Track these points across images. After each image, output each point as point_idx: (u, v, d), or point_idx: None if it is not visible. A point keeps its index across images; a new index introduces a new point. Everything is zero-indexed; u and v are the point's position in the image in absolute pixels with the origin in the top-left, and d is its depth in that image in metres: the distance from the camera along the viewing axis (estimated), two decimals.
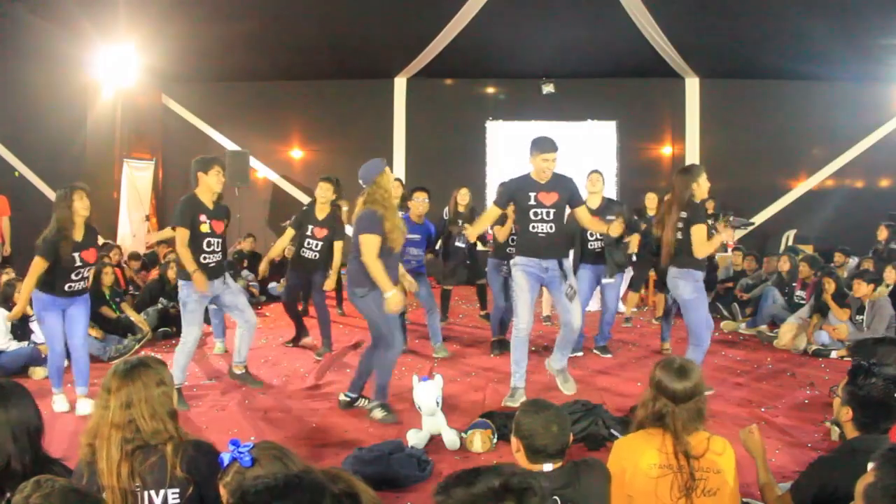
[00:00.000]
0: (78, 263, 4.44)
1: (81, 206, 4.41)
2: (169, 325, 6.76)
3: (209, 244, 4.55)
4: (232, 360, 4.98)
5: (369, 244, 4.09)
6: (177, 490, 2.02)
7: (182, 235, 4.44)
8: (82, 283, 4.54)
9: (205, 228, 4.52)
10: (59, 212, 4.38)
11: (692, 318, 4.61)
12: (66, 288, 4.44)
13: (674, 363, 2.34)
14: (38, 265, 4.31)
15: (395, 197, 4.56)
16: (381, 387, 4.37)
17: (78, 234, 4.45)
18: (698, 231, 4.49)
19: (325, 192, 5.94)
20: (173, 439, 2.07)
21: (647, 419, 2.33)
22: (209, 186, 4.56)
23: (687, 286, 4.57)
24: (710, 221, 5.67)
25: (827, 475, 2.14)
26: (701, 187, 4.65)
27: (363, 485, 1.88)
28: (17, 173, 8.21)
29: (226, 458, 1.83)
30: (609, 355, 6.03)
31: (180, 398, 4.50)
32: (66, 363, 4.78)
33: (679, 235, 4.63)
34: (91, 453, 2.05)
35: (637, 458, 2.25)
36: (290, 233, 6.09)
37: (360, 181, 4.27)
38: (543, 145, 4.49)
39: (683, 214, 4.62)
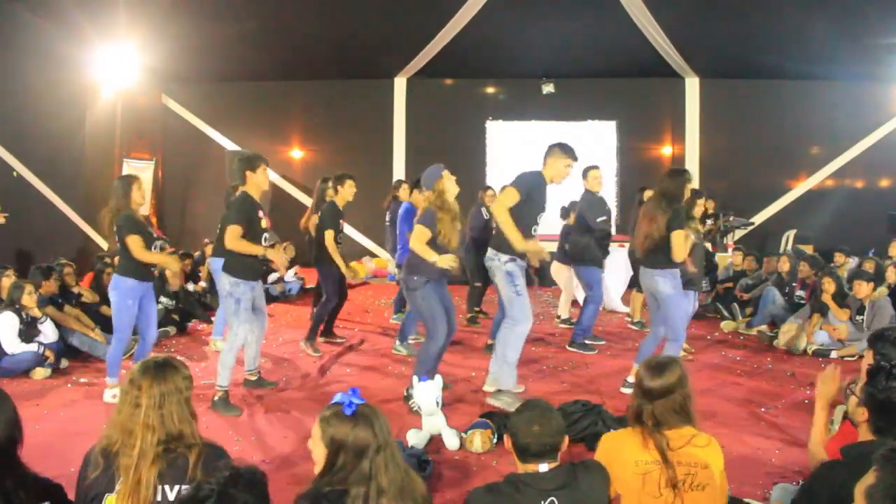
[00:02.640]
0: (156, 240, 4.68)
1: (139, 196, 4.60)
2: (169, 325, 6.76)
3: (265, 240, 4.63)
4: (244, 368, 4.97)
5: (418, 232, 4.40)
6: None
7: (236, 232, 4.41)
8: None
9: (264, 224, 4.59)
10: (116, 200, 4.55)
11: (672, 314, 4.61)
12: (150, 268, 4.69)
13: (653, 361, 2.38)
14: (137, 242, 4.47)
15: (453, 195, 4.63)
16: (415, 375, 4.28)
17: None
18: (678, 236, 4.51)
19: (354, 189, 6.12)
20: (196, 445, 2.05)
21: (630, 418, 2.37)
22: (258, 184, 4.59)
23: (666, 283, 4.58)
24: (708, 223, 5.73)
25: (835, 481, 2.04)
26: (684, 192, 4.68)
27: (419, 479, 2.00)
28: (15, 173, 8.20)
29: (338, 396, 1.97)
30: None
31: (229, 403, 4.49)
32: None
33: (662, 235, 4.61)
34: (112, 444, 2.01)
35: (621, 454, 2.27)
36: (331, 233, 6.05)
37: (423, 185, 4.67)
38: (573, 152, 4.58)
39: (667, 216, 4.60)
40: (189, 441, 2.04)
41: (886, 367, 2.22)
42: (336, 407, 1.96)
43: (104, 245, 9.45)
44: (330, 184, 6.47)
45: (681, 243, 4.51)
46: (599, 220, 6.26)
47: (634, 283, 7.52)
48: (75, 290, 6.39)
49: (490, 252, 4.61)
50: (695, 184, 9.54)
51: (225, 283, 4.55)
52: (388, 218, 7.14)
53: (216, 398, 4.50)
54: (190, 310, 7.26)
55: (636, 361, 4.73)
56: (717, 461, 2.26)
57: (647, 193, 7.08)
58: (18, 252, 7.92)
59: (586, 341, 6.26)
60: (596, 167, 6.41)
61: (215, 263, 6.13)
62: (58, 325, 5.65)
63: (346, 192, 6.08)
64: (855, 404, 2.24)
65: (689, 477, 2.20)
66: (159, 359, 2.17)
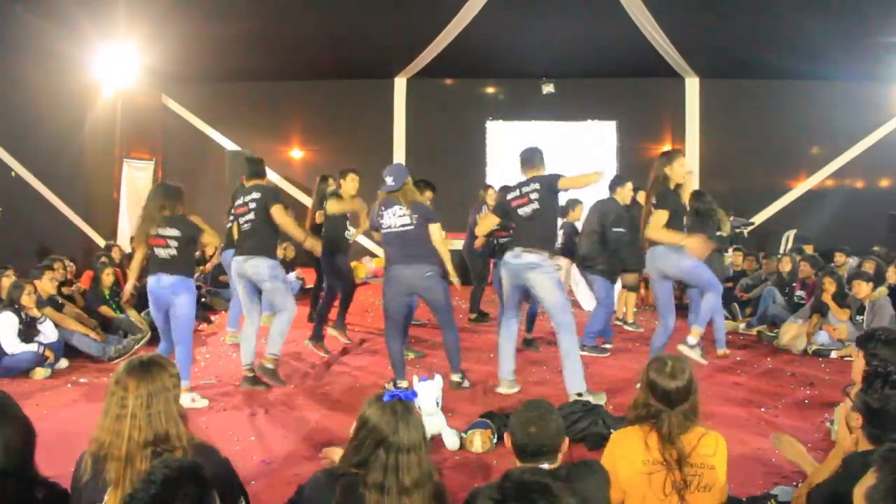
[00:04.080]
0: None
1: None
2: None
3: (284, 237, 5.16)
4: (266, 350, 5.03)
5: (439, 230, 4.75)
6: None
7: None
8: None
9: None
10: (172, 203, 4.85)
11: (703, 279, 4.74)
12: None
13: (666, 363, 2.33)
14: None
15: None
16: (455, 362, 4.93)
17: None
18: (658, 216, 4.50)
19: (356, 183, 6.23)
20: (179, 448, 2.00)
21: (638, 418, 2.33)
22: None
23: (682, 257, 4.56)
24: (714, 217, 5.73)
25: (841, 491, 1.93)
26: (674, 171, 4.61)
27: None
28: (13, 173, 8.20)
29: (392, 389, 2.12)
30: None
31: (277, 373, 4.99)
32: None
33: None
34: (101, 447, 1.97)
35: (631, 452, 2.26)
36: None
37: (391, 179, 4.65)
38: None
39: (653, 200, 4.63)
40: (173, 443, 1.99)
41: (883, 373, 2.17)
42: (381, 392, 2.09)
43: (103, 245, 9.46)
44: (330, 181, 6.51)
45: (659, 222, 4.48)
46: (616, 230, 6.22)
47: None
48: (75, 287, 6.39)
49: (536, 258, 4.49)
50: (695, 184, 9.50)
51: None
52: None
53: (266, 365, 4.95)
54: None
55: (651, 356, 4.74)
56: (722, 462, 2.25)
57: (640, 194, 7.06)
58: (18, 252, 7.90)
59: (605, 345, 6.20)
60: (628, 180, 6.53)
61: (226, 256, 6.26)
62: (57, 325, 5.65)
63: (348, 186, 6.16)
64: (849, 408, 2.19)
65: (696, 478, 2.19)
66: (144, 358, 2.11)
